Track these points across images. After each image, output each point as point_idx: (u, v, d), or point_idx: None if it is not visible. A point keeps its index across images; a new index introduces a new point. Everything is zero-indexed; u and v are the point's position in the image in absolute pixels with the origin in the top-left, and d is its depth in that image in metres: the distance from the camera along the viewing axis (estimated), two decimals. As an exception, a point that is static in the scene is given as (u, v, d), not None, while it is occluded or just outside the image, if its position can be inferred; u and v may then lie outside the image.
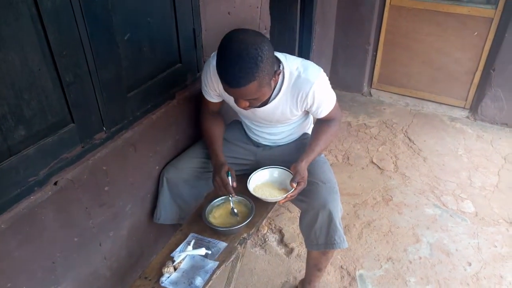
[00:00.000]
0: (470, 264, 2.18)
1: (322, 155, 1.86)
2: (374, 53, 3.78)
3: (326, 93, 1.62)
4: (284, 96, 1.60)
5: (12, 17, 1.07)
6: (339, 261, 2.20)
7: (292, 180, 1.56)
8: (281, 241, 2.34)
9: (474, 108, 3.53)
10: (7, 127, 1.15)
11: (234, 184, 1.66)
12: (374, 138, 3.29)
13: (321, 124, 1.73)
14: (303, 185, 1.58)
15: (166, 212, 1.81)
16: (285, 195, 1.59)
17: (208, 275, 1.48)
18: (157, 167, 1.81)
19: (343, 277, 2.12)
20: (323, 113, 1.67)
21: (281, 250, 2.29)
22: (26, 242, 1.28)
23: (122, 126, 1.57)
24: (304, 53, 3.32)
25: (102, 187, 1.54)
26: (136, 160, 1.67)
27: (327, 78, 1.62)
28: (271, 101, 1.61)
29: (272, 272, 2.16)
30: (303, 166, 1.59)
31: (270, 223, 2.45)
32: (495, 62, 3.23)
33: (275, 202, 1.77)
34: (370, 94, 3.94)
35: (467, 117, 3.56)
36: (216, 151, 1.75)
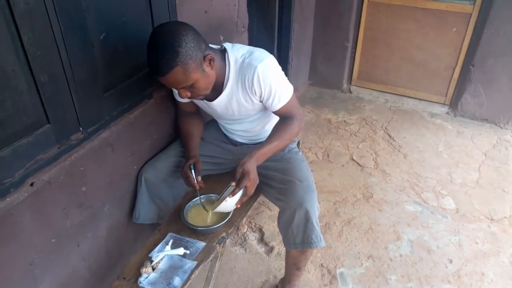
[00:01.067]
0: (451, 261, 2.19)
1: (300, 153, 1.87)
2: (353, 50, 3.80)
3: (274, 79, 1.56)
4: (233, 84, 1.62)
5: (-17, 18, 1.06)
6: (320, 259, 2.21)
7: (235, 174, 1.50)
8: (261, 239, 2.34)
9: (454, 104, 3.57)
10: (-20, 129, 1.13)
11: (199, 178, 1.68)
12: (354, 135, 3.31)
13: (279, 122, 1.68)
14: (246, 181, 1.47)
15: (145, 211, 1.81)
16: (234, 199, 1.48)
17: (187, 275, 1.48)
18: (135, 167, 1.80)
19: (324, 275, 2.13)
20: (277, 104, 1.61)
21: (261, 249, 2.29)
22: (1, 245, 1.26)
23: (99, 126, 1.56)
24: (283, 51, 3.33)
25: (79, 187, 1.52)
26: (114, 160, 1.66)
27: (275, 64, 1.60)
28: (223, 91, 1.63)
29: (252, 271, 2.16)
30: (242, 162, 1.50)
31: (250, 222, 2.45)
32: (474, 58, 3.26)
33: (242, 207, 1.63)
34: (350, 91, 3.97)
35: (447, 113, 3.60)
36: (188, 146, 1.78)
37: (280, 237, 2.28)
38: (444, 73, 3.54)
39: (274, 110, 1.65)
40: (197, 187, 1.68)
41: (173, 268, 1.51)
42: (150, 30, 1.66)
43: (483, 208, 2.55)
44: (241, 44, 1.67)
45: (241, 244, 2.32)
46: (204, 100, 1.69)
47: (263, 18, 3.07)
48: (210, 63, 1.48)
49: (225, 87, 1.62)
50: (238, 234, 2.37)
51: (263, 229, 2.40)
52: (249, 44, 2.54)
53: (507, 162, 2.98)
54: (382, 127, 3.42)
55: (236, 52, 1.59)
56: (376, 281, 2.10)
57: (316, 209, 1.60)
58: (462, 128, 3.40)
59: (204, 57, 1.45)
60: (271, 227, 2.40)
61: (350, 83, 3.99)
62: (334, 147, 3.16)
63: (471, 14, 3.22)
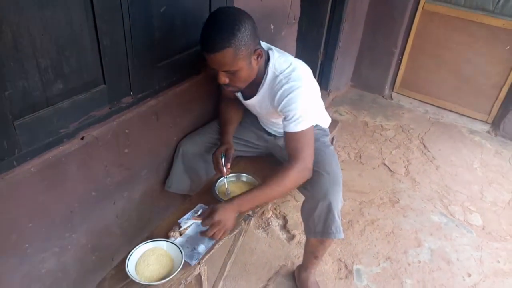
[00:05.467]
0: (470, 275, 2.19)
1: (331, 147, 1.88)
2: (400, 57, 3.78)
3: (299, 107, 1.52)
4: (265, 93, 1.65)
5: (62, -23, 1.16)
6: (338, 253, 2.24)
7: (202, 221, 1.45)
8: (284, 227, 2.40)
9: (496, 123, 3.50)
10: (47, 79, 1.24)
11: (228, 165, 1.75)
12: (389, 140, 3.31)
13: (280, 169, 1.54)
14: (215, 229, 1.43)
15: (178, 181, 1.90)
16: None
17: (211, 243, 1.55)
18: (175, 138, 1.89)
19: (340, 269, 2.17)
20: (289, 126, 1.54)
21: (282, 235, 2.35)
22: (50, 188, 1.38)
23: (148, 94, 1.66)
24: (329, 49, 3.32)
25: (122, 148, 1.62)
26: (157, 128, 1.75)
27: (307, 93, 1.56)
28: (257, 93, 1.67)
29: (271, 255, 2.23)
30: (215, 208, 1.44)
31: (275, 208, 2.51)
32: (525, 79, 3.17)
33: None
34: (391, 98, 3.95)
35: (488, 131, 3.54)
36: (224, 131, 1.85)
37: (303, 227, 2.34)
38: (491, 91, 3.47)
39: (286, 131, 1.57)
40: (224, 175, 1.75)
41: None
42: (207, 10, 1.75)
43: (511, 229, 2.51)
44: (284, 53, 1.68)
45: (264, 228, 2.39)
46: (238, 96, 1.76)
47: (315, 13, 3.10)
48: (257, 58, 1.52)
49: (259, 91, 1.66)
50: (262, 219, 2.44)
51: (287, 217, 2.45)
52: (297, 38, 2.58)
53: (544, 189, 2.90)
54: (418, 136, 3.39)
55: (278, 65, 1.60)
56: (391, 282, 2.12)
57: (339, 202, 1.63)
58: (501, 148, 3.33)
59: (255, 50, 1.48)
60: (295, 216, 2.45)
61: (392, 90, 3.97)
62: (368, 149, 3.17)
63: (527, 35, 3.13)
